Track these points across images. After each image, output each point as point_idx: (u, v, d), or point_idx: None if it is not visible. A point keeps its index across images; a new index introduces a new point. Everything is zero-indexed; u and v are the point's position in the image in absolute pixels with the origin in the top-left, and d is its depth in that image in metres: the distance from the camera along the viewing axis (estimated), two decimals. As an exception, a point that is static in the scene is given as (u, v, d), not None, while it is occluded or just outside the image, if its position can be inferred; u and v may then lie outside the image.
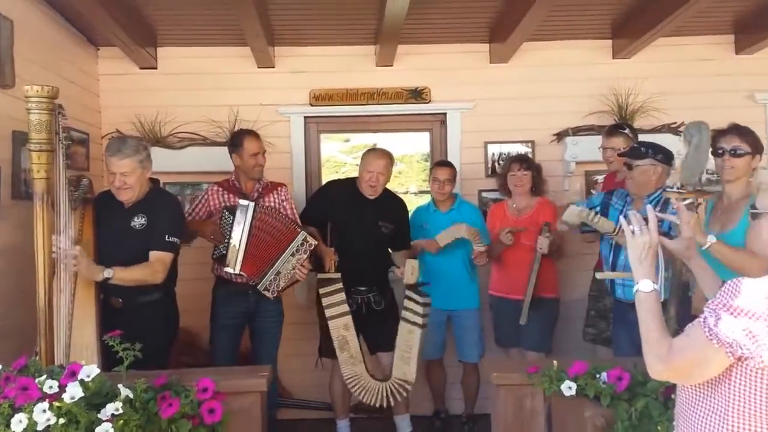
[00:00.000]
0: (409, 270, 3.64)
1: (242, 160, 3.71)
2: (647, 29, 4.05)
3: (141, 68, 4.55)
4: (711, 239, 2.39)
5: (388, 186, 3.93)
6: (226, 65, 4.59)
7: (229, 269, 3.48)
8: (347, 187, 3.93)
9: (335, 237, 3.76)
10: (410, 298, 3.66)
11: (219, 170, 4.22)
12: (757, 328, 1.37)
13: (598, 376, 2.38)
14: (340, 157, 10.36)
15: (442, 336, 4.18)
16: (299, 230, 3.49)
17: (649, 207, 1.86)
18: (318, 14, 4.11)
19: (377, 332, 3.84)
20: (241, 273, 3.48)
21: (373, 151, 3.89)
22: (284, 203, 3.76)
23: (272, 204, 3.71)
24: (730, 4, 4.11)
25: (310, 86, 4.60)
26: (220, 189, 3.74)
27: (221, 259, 3.51)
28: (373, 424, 4.23)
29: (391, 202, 3.97)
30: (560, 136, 4.54)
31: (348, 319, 3.60)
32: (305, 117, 4.65)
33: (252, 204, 3.50)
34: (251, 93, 4.58)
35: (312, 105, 4.60)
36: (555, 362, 2.49)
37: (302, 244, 3.47)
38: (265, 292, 3.49)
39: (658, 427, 2.21)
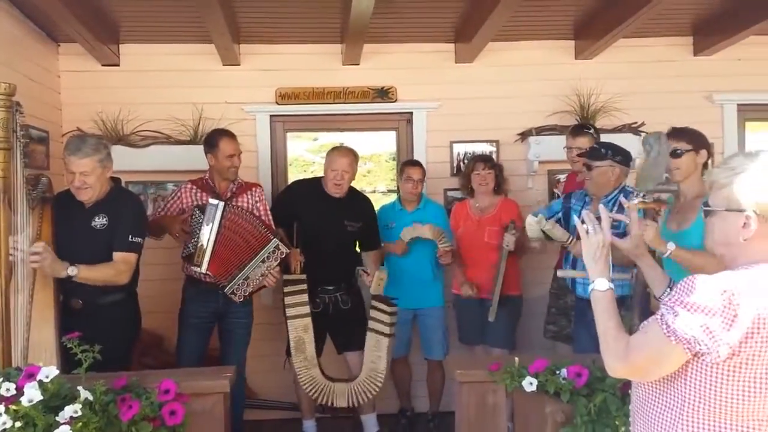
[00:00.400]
0: (376, 281, 3.67)
1: (217, 161, 3.67)
2: (608, 30, 4.12)
3: (103, 65, 4.48)
4: (670, 247, 2.45)
5: (358, 185, 3.94)
6: (190, 62, 4.54)
7: (196, 268, 3.44)
8: (313, 186, 3.92)
9: (301, 237, 3.76)
10: (377, 308, 3.68)
11: (183, 169, 4.19)
12: (713, 324, 1.40)
13: (558, 372, 2.42)
14: (308, 157, 10.32)
15: (407, 334, 4.20)
16: (272, 237, 3.46)
17: (601, 207, 1.90)
18: (284, 12, 4.09)
19: (345, 332, 3.85)
20: (208, 273, 3.45)
21: (337, 150, 3.89)
22: (258, 204, 3.73)
23: (245, 204, 3.67)
24: (688, 6, 4.21)
25: (277, 84, 4.57)
26: (194, 187, 3.71)
27: (189, 258, 3.48)
28: (340, 423, 4.24)
29: (357, 201, 3.98)
30: (524, 135, 4.60)
31: (308, 321, 3.60)
32: (271, 116, 4.62)
33: (222, 204, 3.47)
34: (216, 91, 4.53)
35: (278, 103, 4.58)
36: (516, 359, 2.53)
37: (274, 251, 3.44)
38: (232, 296, 3.46)
39: (616, 422, 2.26)
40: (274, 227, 3.65)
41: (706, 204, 1.59)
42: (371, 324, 3.67)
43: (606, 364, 1.61)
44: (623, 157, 3.22)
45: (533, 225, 3.36)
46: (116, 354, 2.88)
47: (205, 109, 4.46)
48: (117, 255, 3.02)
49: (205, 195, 3.63)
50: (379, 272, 3.72)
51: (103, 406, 2.27)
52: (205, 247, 3.42)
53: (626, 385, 2.26)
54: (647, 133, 2.58)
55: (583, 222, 1.81)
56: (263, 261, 3.43)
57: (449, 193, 4.66)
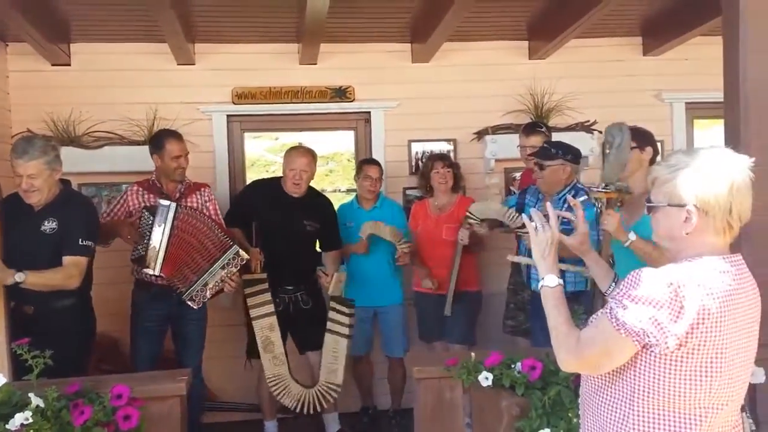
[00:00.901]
0: (335, 282, 3.68)
1: (163, 162, 3.63)
2: (560, 31, 4.20)
3: (53, 65, 4.38)
4: (631, 237, 2.51)
5: (319, 185, 3.94)
6: (144, 62, 4.47)
7: (148, 270, 3.38)
8: (272, 186, 3.91)
9: (260, 237, 3.74)
10: (335, 310, 3.69)
11: (137, 170, 4.12)
12: (661, 316, 1.45)
13: (513, 366, 2.47)
14: (270, 157, 10.25)
15: (368, 332, 4.23)
16: (231, 243, 3.41)
17: (548, 205, 1.94)
18: (239, 11, 4.06)
19: (306, 331, 3.84)
20: (161, 274, 3.40)
21: (295, 149, 3.88)
22: (207, 204, 3.70)
23: (195, 205, 3.65)
24: (636, 7, 4.32)
25: (233, 84, 4.54)
26: (140, 189, 3.65)
27: (140, 261, 3.42)
28: (302, 424, 4.23)
29: (317, 200, 3.98)
30: (480, 134, 4.66)
31: (273, 320, 3.59)
32: (228, 115, 4.58)
33: (173, 204, 3.42)
34: (171, 91, 4.47)
35: (235, 103, 4.55)
36: (473, 354, 2.56)
37: (234, 258, 3.38)
38: (190, 302, 3.41)
39: (570, 414, 2.32)
40: (225, 227, 3.61)
41: (648, 200, 1.64)
42: (330, 325, 3.67)
43: (558, 359, 1.64)
44: (573, 155, 3.30)
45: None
46: (70, 359, 2.84)
47: (160, 110, 4.39)
48: (67, 259, 2.96)
49: (152, 196, 3.58)
50: (337, 274, 3.74)
51: (55, 413, 2.23)
52: (157, 248, 3.37)
53: (579, 377, 2.31)
54: (610, 125, 2.63)
55: (531, 219, 1.84)
56: (223, 267, 3.38)
57: (408, 192, 4.69)
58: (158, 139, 3.69)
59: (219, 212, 3.74)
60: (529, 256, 3.27)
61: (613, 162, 2.48)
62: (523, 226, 3.23)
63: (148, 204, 3.54)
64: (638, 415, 1.53)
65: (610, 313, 1.51)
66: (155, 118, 4.37)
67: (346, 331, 3.65)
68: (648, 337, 1.46)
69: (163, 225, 3.37)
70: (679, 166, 1.55)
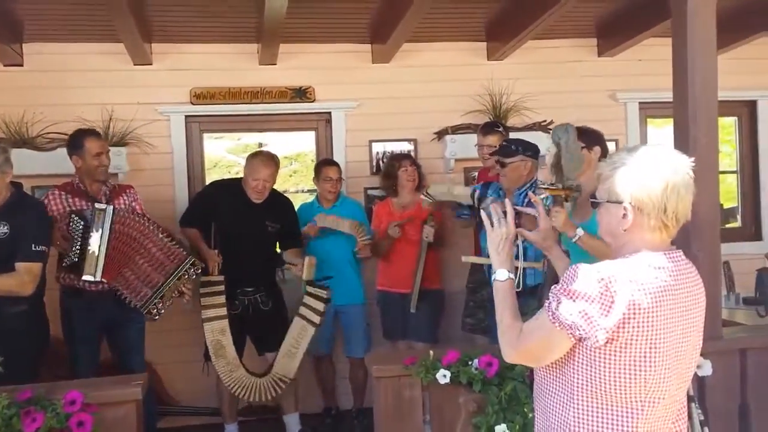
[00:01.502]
0: (307, 267, 3.65)
1: (84, 162, 3.48)
2: (518, 32, 4.26)
3: (5, 65, 4.28)
4: (579, 232, 2.56)
5: (283, 185, 3.93)
6: (99, 62, 4.40)
7: (88, 277, 3.29)
8: (232, 187, 3.88)
9: (219, 238, 3.71)
10: (311, 294, 3.66)
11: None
12: (591, 310, 1.48)
13: (470, 363, 2.50)
14: (231, 158, 10.17)
15: (330, 332, 4.22)
16: (186, 254, 3.36)
17: (507, 201, 1.96)
18: (196, 10, 4.02)
19: (265, 333, 3.82)
20: (102, 280, 3.32)
21: (258, 158, 3.81)
22: (133, 204, 3.61)
23: (123, 207, 3.54)
24: (591, 9, 4.41)
25: (191, 84, 4.49)
26: (62, 193, 3.47)
27: (75, 268, 3.30)
28: (263, 425, 4.20)
29: (278, 201, 3.96)
30: (440, 134, 4.70)
31: (224, 324, 3.55)
32: (186, 116, 4.53)
33: (110, 207, 3.34)
34: (127, 91, 4.41)
35: (193, 104, 4.50)
36: (431, 352, 2.59)
37: (190, 268, 3.34)
38: (148, 315, 3.35)
39: (525, 409, 2.36)
40: (183, 226, 3.57)
41: (593, 196, 1.67)
42: (302, 310, 3.65)
43: (502, 351, 1.68)
44: (533, 151, 3.37)
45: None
46: (23, 366, 2.78)
47: (116, 110, 4.33)
48: (20, 265, 2.90)
49: (77, 200, 3.45)
50: (308, 258, 3.69)
51: (6, 420, 2.19)
52: (96, 254, 3.27)
53: (533, 372, 2.36)
54: (555, 126, 2.69)
55: (488, 215, 1.86)
56: (179, 278, 3.33)
57: (369, 192, 4.70)
58: (76, 139, 3.54)
59: (145, 213, 3.64)
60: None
61: (566, 162, 2.53)
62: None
63: (73, 208, 3.40)
64: (579, 407, 1.56)
65: (548, 306, 1.55)
66: (111, 119, 4.30)
67: (317, 319, 3.63)
68: (579, 330, 1.49)
69: (100, 229, 3.28)
70: (618, 163, 1.58)
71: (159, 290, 3.31)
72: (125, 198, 3.60)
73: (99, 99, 4.32)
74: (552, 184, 2.60)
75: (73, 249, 3.28)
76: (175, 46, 4.46)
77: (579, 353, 1.54)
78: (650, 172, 1.53)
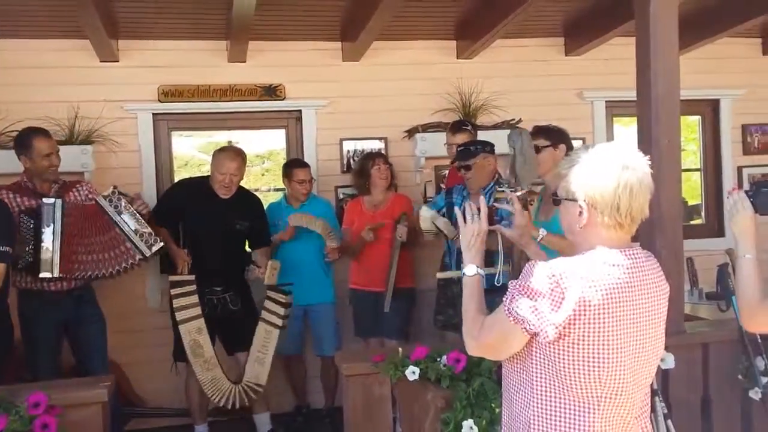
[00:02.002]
0: (269, 271, 3.64)
1: (33, 162, 3.40)
2: (486, 31, 4.30)
3: (-32, 62, 4.19)
4: (542, 232, 2.59)
5: (256, 184, 3.90)
6: (64, 59, 4.31)
7: (45, 275, 3.25)
8: (200, 185, 3.85)
9: (188, 237, 3.68)
10: (271, 299, 3.65)
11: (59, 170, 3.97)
12: (541, 306, 1.51)
13: (438, 359, 2.51)
14: (202, 156, 10.05)
15: (299, 331, 4.22)
16: (93, 200, 3.37)
17: (481, 198, 1.99)
18: (163, 6, 3.98)
19: (234, 332, 3.80)
20: (60, 275, 3.28)
21: (224, 152, 3.81)
22: (90, 196, 3.54)
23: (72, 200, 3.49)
24: (558, 9, 4.47)
25: (159, 82, 4.43)
26: (10, 193, 3.39)
27: (31, 268, 3.25)
28: (233, 426, 4.17)
29: (246, 199, 3.94)
30: (411, 132, 4.71)
31: (200, 323, 3.53)
32: (154, 114, 4.47)
33: (59, 201, 3.30)
34: (93, 88, 4.33)
35: (161, 101, 4.44)
36: (400, 349, 2.60)
37: (110, 201, 3.34)
38: (158, 246, 3.36)
39: (492, 404, 2.37)
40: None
41: (554, 194, 1.70)
42: (264, 315, 3.64)
43: (465, 344, 1.71)
44: (491, 146, 3.41)
45: (427, 219, 3.48)
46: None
47: (82, 108, 4.26)
48: None
49: (26, 199, 3.38)
50: (272, 262, 3.70)
51: (-34, 425, 2.14)
52: (51, 250, 3.23)
53: (501, 368, 2.38)
54: (510, 132, 2.74)
55: (463, 212, 1.88)
56: (121, 214, 3.34)
57: (340, 191, 4.69)
58: (24, 139, 3.45)
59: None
60: (458, 258, 3.41)
61: (521, 166, 2.58)
62: (455, 234, 3.39)
63: (23, 207, 3.34)
64: (538, 401, 1.58)
65: (505, 300, 1.57)
66: (77, 117, 4.23)
67: (279, 322, 3.62)
68: (529, 324, 1.52)
69: (51, 224, 3.23)
70: (574, 162, 1.60)
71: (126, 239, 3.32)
72: (76, 193, 3.52)
73: (64, 96, 4.24)
74: (511, 189, 2.65)
75: (27, 249, 3.22)
76: (142, 43, 4.40)
77: (536, 348, 1.56)
78: (603, 170, 1.54)
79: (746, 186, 3.70)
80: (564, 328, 1.49)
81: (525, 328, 1.53)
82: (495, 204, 2.02)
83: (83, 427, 2.39)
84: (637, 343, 1.55)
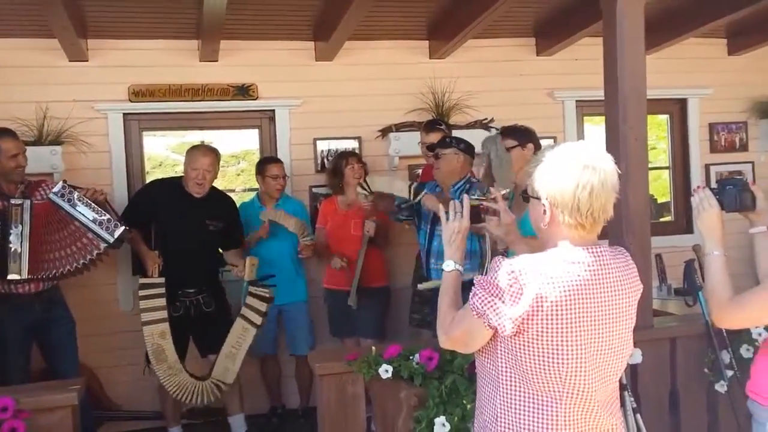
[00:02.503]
0: (248, 267, 3.63)
1: None
2: (458, 31, 4.32)
3: (-69, 62, 4.10)
4: None
5: (233, 184, 3.89)
6: (32, 58, 4.25)
7: (13, 276, 3.20)
8: (172, 186, 3.82)
9: (160, 239, 3.64)
10: (254, 295, 3.64)
11: (27, 171, 3.90)
12: (499, 301, 1.54)
13: (411, 357, 2.52)
14: (176, 157, 9.97)
15: (273, 331, 4.21)
16: (46, 198, 3.31)
17: (465, 196, 2.00)
18: (134, 6, 3.93)
19: (208, 334, 3.77)
20: (29, 276, 3.24)
21: (197, 149, 3.81)
22: (43, 193, 3.47)
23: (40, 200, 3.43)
24: (529, 9, 4.51)
25: (129, 81, 4.39)
26: None
27: None
28: (208, 428, 4.15)
29: (220, 200, 3.92)
30: (384, 132, 4.72)
31: (165, 327, 3.49)
32: (124, 114, 4.42)
33: (28, 201, 3.26)
34: (62, 88, 4.28)
35: (132, 101, 4.40)
36: (373, 348, 2.61)
37: (62, 195, 3.28)
38: (119, 230, 3.28)
39: (464, 401, 2.40)
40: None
41: (524, 192, 1.72)
42: (244, 311, 3.62)
43: (438, 337, 1.74)
44: (466, 145, 3.46)
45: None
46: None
47: (51, 108, 4.20)
48: None
49: None
50: (249, 258, 3.69)
51: (-69, 430, 2.10)
52: (19, 251, 3.18)
53: (473, 365, 2.40)
54: (484, 139, 2.79)
55: (447, 209, 1.90)
56: (75, 207, 3.28)
57: (314, 190, 4.69)
58: None
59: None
60: (427, 255, 3.45)
61: (497, 170, 2.61)
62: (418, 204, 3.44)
63: None
64: (504, 395, 1.61)
65: (470, 296, 1.61)
66: (45, 117, 4.17)
67: (259, 320, 3.61)
68: (488, 319, 1.55)
69: (20, 225, 3.19)
70: (539, 161, 1.62)
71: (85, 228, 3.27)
72: (42, 192, 3.47)
73: (33, 96, 4.18)
74: (483, 195, 2.68)
75: None
76: (113, 42, 4.35)
77: (501, 343, 1.59)
78: (563, 170, 1.56)
79: (714, 184, 3.78)
80: (522, 323, 1.52)
81: (486, 322, 1.55)
82: (482, 201, 2.04)
83: (54, 431, 2.36)
84: (600, 340, 1.57)
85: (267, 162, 4.28)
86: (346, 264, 4.02)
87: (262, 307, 3.62)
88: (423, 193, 3.53)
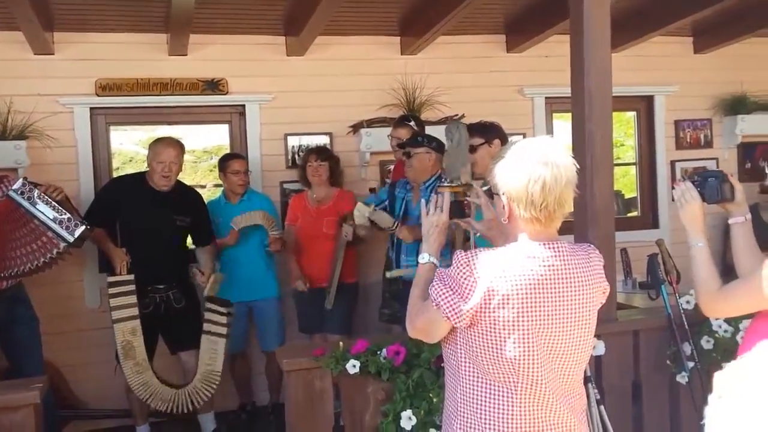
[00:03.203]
0: (211, 284, 3.64)
1: None
2: (429, 27, 4.34)
3: None
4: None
5: (206, 179, 3.85)
6: (-5, 51, 4.17)
7: None
8: (136, 181, 3.77)
9: (126, 236, 3.59)
10: (212, 310, 3.63)
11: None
12: (453, 293, 1.59)
13: (378, 352, 2.53)
14: (145, 152, 9.85)
15: (244, 327, 4.19)
16: (2, 194, 3.23)
17: (446, 192, 2.01)
18: (100, -2, 3.88)
19: (178, 330, 3.75)
20: None
21: (161, 141, 3.76)
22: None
23: None
24: (500, 6, 4.54)
25: (96, 75, 4.32)
26: None
27: None
28: (176, 426, 4.12)
29: (186, 194, 3.89)
30: (356, 127, 4.72)
31: (135, 324, 3.46)
32: (91, 108, 4.35)
33: None
34: (27, 82, 4.20)
35: (98, 95, 4.33)
36: (341, 343, 2.61)
37: (22, 192, 3.18)
38: (80, 229, 3.19)
39: (431, 395, 2.42)
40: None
41: (488, 189, 1.74)
42: (206, 326, 3.61)
43: (406, 325, 1.78)
44: (437, 144, 3.47)
45: (362, 211, 3.51)
46: None
47: (15, 102, 4.12)
48: None
49: None
50: (215, 275, 3.70)
51: None
52: None
53: (439, 358, 2.42)
54: (448, 124, 2.78)
55: (428, 202, 1.95)
56: (35, 204, 3.19)
57: (285, 185, 4.67)
58: None
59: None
60: (397, 259, 3.45)
61: (452, 158, 2.62)
62: (393, 225, 3.44)
63: None
64: (464, 385, 1.64)
65: (429, 287, 1.66)
66: (9, 111, 4.10)
67: (224, 330, 3.61)
68: (443, 311, 1.59)
69: None
70: (500, 157, 1.65)
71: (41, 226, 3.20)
72: (3, 188, 3.38)
73: (-4, 90, 4.10)
74: (451, 182, 2.69)
75: None
76: (79, 35, 4.28)
77: (459, 334, 1.63)
78: (517, 165, 1.58)
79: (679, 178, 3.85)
80: (474, 316, 1.55)
81: (443, 314, 1.59)
82: (468, 198, 2.06)
83: (15, 431, 2.32)
84: (553, 334, 1.58)
85: (228, 158, 4.24)
86: (307, 287, 4.04)
87: (222, 320, 3.61)
88: (396, 223, 3.53)
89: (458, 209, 1.93)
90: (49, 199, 3.22)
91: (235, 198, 4.19)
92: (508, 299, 1.54)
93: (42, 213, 3.21)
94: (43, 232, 3.23)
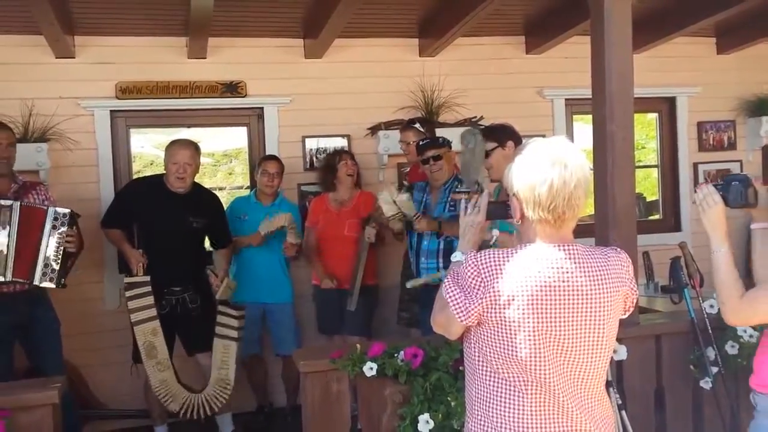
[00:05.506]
0: (224, 288, 3.66)
1: None
2: (448, 29, 4.32)
3: None
4: (495, 233, 2.63)
5: (225, 182, 3.87)
6: (18, 55, 4.22)
7: None
8: (153, 183, 3.80)
9: (143, 237, 3.61)
10: (223, 313, 3.64)
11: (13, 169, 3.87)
12: (463, 293, 1.59)
13: (396, 355, 2.51)
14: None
15: (258, 331, 4.20)
16: (45, 207, 3.29)
17: (485, 193, 2.00)
18: (121, 2, 3.91)
19: (194, 332, 3.76)
20: (14, 279, 3.21)
21: (176, 142, 3.79)
22: (46, 203, 3.47)
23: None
24: (519, 7, 4.51)
25: (117, 78, 4.36)
26: None
27: None
28: (194, 427, 4.11)
29: (203, 196, 3.90)
30: (373, 130, 4.71)
31: (155, 324, 3.48)
32: (111, 111, 4.39)
33: (17, 203, 3.23)
34: (48, 85, 4.25)
35: (119, 98, 4.37)
36: (358, 345, 2.60)
37: (56, 218, 3.25)
38: (49, 284, 3.24)
39: (449, 398, 2.39)
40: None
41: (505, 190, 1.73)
42: (218, 330, 3.62)
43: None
44: (448, 141, 3.51)
45: (387, 199, 3.50)
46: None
47: (37, 105, 4.17)
48: None
49: None
50: (228, 280, 3.72)
51: None
52: (5, 253, 3.16)
53: (457, 362, 2.40)
54: (463, 132, 2.78)
55: (467, 203, 1.95)
56: (51, 234, 3.24)
57: (303, 188, 4.67)
58: None
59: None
60: (417, 255, 3.44)
61: (468, 165, 2.61)
62: (415, 215, 3.43)
63: None
64: (478, 382, 1.65)
65: (442, 285, 1.68)
66: (31, 114, 4.14)
67: (235, 334, 3.63)
68: (453, 308, 1.60)
69: (7, 227, 3.17)
70: (514, 158, 1.64)
71: (38, 255, 3.25)
72: (35, 195, 3.45)
73: (18, 93, 4.15)
74: (467, 189, 2.68)
75: None
76: (99, 39, 4.32)
77: (473, 332, 1.64)
78: (528, 166, 1.58)
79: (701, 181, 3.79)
80: (481, 315, 1.56)
81: (452, 312, 1.60)
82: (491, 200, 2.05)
83: (33, 430, 2.34)
84: (564, 336, 1.55)
85: (263, 158, 4.30)
86: (335, 284, 4.05)
87: (234, 323, 3.62)
88: (417, 214, 3.51)
89: (501, 209, 1.89)
90: (61, 242, 3.25)
91: (266, 200, 4.21)
92: (513, 299, 1.54)
93: (47, 246, 3.24)
94: (32, 258, 3.25)
